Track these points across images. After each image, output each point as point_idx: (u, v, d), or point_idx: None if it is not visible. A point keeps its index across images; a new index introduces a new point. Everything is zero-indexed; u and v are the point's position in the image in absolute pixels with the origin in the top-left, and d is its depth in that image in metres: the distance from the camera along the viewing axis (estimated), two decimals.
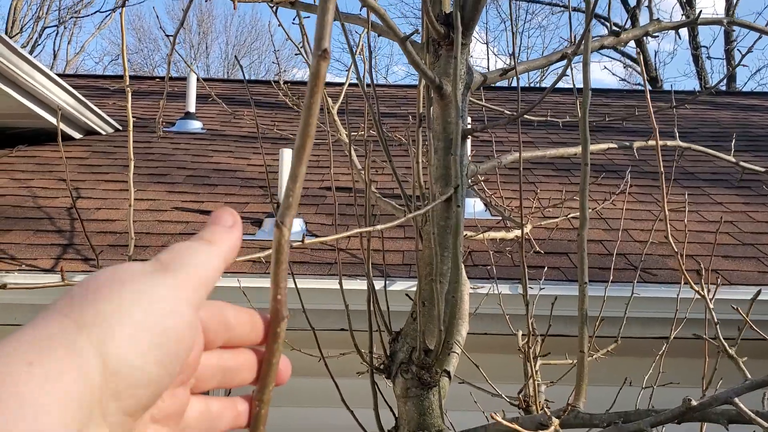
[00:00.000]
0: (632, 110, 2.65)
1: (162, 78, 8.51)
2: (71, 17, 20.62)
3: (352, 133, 2.01)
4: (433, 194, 1.55)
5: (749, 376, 1.20)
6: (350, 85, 2.94)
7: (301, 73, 26.49)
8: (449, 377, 1.66)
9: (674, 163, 2.71)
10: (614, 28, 1.80)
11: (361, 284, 2.96)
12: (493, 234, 2.94)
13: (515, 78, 1.61)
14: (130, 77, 6.59)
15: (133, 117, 1.87)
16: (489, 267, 3.17)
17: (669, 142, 1.95)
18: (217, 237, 0.46)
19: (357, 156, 2.36)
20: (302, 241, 1.42)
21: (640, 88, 15.78)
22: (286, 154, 3.89)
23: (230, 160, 5.00)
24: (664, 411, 1.15)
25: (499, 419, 1.13)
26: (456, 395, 1.91)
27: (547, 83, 19.17)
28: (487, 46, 21.74)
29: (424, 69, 1.43)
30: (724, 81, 15.83)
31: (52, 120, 4.71)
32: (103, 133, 5.48)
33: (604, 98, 7.59)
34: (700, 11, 1.85)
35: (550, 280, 3.08)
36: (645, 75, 1.64)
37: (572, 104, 7.03)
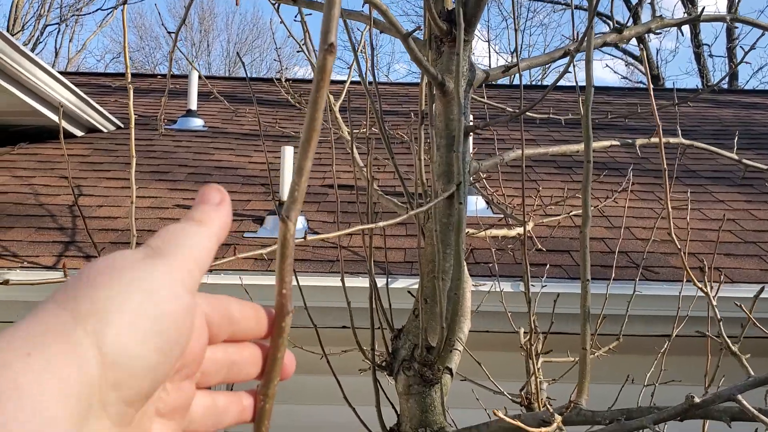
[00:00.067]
0: (634, 108, 2.65)
1: (163, 76, 8.51)
2: (73, 15, 20.63)
3: (354, 131, 2.01)
4: (436, 191, 1.55)
5: (752, 373, 1.20)
6: (352, 83, 2.94)
7: (303, 71, 26.50)
8: (451, 374, 1.66)
9: (676, 160, 2.70)
10: (617, 25, 1.79)
11: (363, 281, 2.96)
12: (495, 231, 2.94)
13: (518, 75, 1.61)
14: (132, 75, 6.60)
15: (134, 114, 1.87)
16: (491, 264, 3.17)
17: (672, 140, 1.95)
18: (207, 216, 0.45)
19: (359, 153, 2.36)
20: (304, 238, 1.42)
21: (641, 86, 15.78)
22: (288, 152, 3.89)
23: (232, 158, 5.00)
24: (666, 408, 1.15)
25: (502, 416, 1.13)
26: (458, 392, 1.91)
27: (548, 82, 19.14)
28: (489, 44, 21.73)
29: (427, 66, 1.43)
30: (726, 79, 15.82)
31: (54, 117, 4.71)
32: (105, 130, 5.48)
33: (606, 96, 7.58)
34: (703, 8, 1.85)
35: (552, 278, 3.08)
36: (648, 72, 1.64)
37: (574, 102, 7.02)
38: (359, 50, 1.99)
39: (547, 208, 3.62)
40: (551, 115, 2.56)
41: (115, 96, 6.83)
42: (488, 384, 1.96)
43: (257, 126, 5.78)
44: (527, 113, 2.11)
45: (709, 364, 1.82)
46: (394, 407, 1.70)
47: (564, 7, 19.17)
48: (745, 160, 2.05)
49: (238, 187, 4.35)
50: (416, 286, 1.69)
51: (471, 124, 1.61)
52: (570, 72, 1.63)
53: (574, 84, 1.88)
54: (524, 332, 1.85)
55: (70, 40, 26.07)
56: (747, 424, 1.19)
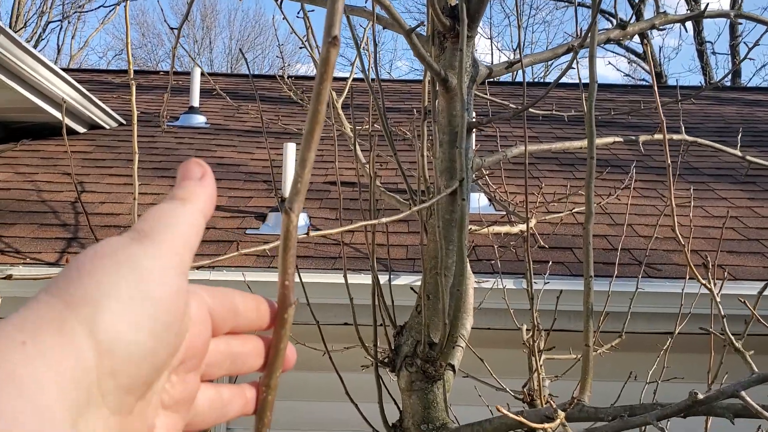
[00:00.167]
0: (636, 105, 2.64)
1: (166, 72, 8.51)
2: (75, 12, 20.63)
3: (357, 127, 2.01)
4: (438, 187, 1.55)
5: (756, 369, 1.20)
6: (354, 79, 2.94)
7: (305, 68, 26.49)
8: (454, 371, 1.66)
9: (679, 158, 2.70)
10: (620, 22, 1.79)
11: (365, 278, 2.95)
12: (497, 228, 2.94)
13: (521, 71, 1.61)
14: (134, 72, 6.60)
15: (137, 111, 1.87)
16: (493, 261, 3.17)
17: (675, 136, 1.95)
18: (190, 192, 0.44)
19: (361, 150, 2.36)
20: (307, 233, 1.42)
21: (644, 83, 15.76)
22: (290, 148, 3.88)
23: (234, 155, 5.00)
24: (669, 405, 1.15)
25: (505, 412, 1.13)
26: (460, 389, 1.91)
27: (550, 79, 19.12)
28: (491, 41, 21.70)
29: (430, 61, 1.42)
30: (729, 76, 15.79)
31: (57, 114, 4.71)
32: (107, 127, 5.48)
33: (609, 93, 7.58)
34: (707, 4, 1.84)
35: (555, 275, 3.07)
36: (652, 68, 1.63)
37: (576, 99, 7.02)
38: (362, 47, 1.99)
39: (550, 205, 3.62)
40: (554, 112, 2.56)
41: (117, 93, 6.84)
42: (491, 381, 1.96)
43: (259, 123, 5.78)
44: (530, 110, 2.11)
45: (712, 361, 1.82)
46: (396, 404, 1.70)
47: (566, 4, 19.15)
48: (749, 157, 2.04)
49: (241, 184, 4.35)
50: (419, 283, 1.69)
51: (474, 120, 1.60)
52: (573, 68, 1.63)
53: (577, 81, 1.88)
54: (527, 329, 1.84)
55: (72, 37, 26.05)
56: (750, 421, 1.18)
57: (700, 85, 12.66)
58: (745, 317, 1.68)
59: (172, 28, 2.16)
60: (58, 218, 3.68)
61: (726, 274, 2.34)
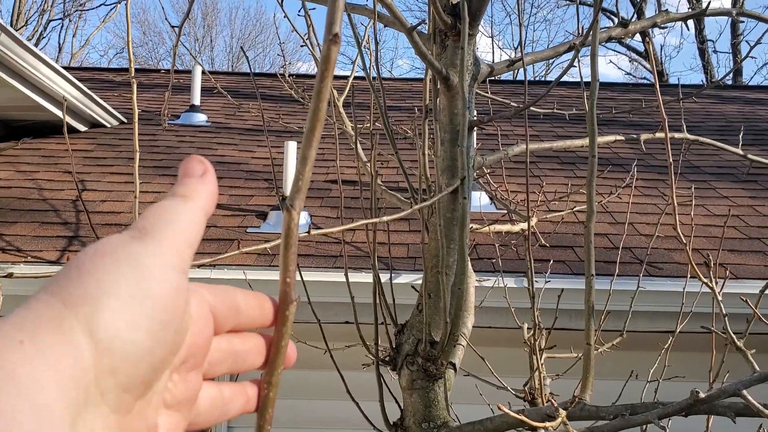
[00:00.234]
0: (638, 104, 2.64)
1: (167, 71, 8.51)
2: (76, 10, 20.62)
3: (358, 126, 2.01)
4: (440, 186, 1.55)
5: (757, 368, 1.20)
6: (355, 78, 2.94)
7: (306, 66, 26.50)
8: (455, 369, 1.66)
9: (681, 156, 2.70)
10: (622, 20, 1.79)
11: (366, 277, 2.95)
12: (498, 227, 2.94)
13: (522, 69, 1.60)
14: (135, 70, 6.60)
15: (138, 109, 1.87)
16: (494, 260, 3.17)
17: (676, 135, 1.94)
18: (192, 190, 0.43)
19: (362, 148, 2.35)
20: (308, 232, 1.42)
21: (645, 81, 15.75)
22: (291, 147, 3.88)
23: (235, 153, 4.99)
24: (671, 403, 1.14)
25: (506, 410, 1.13)
26: (461, 388, 1.91)
27: (552, 77, 19.12)
28: (492, 40, 21.69)
29: (431, 60, 1.42)
30: (731, 75, 15.77)
31: (58, 112, 4.71)
32: (108, 125, 5.48)
33: (610, 92, 7.57)
34: (709, 2, 1.84)
35: (556, 274, 3.07)
36: (654, 66, 1.63)
37: (577, 98, 7.01)
38: (363, 45, 1.99)
39: (551, 204, 3.62)
40: (555, 111, 2.56)
41: (118, 91, 6.84)
42: (492, 379, 1.96)
43: (260, 121, 5.78)
44: (531, 108, 2.10)
45: (713, 360, 1.82)
46: (397, 402, 1.70)
47: (568, 2, 19.13)
48: (750, 156, 2.04)
49: (241, 183, 4.35)
50: (420, 282, 1.69)
51: (475, 118, 1.60)
52: (574, 67, 1.62)
53: (578, 80, 1.88)
54: (528, 328, 1.84)
55: (73, 36, 26.12)
56: (751, 420, 1.18)
57: (701, 83, 12.65)
58: (746, 316, 1.68)
59: (173, 27, 2.16)
60: (59, 217, 3.68)
61: (727, 272, 2.34)
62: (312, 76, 7.08)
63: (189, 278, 0.41)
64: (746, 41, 15.78)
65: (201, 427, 0.44)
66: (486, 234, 3.15)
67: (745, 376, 1.07)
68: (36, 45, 17.99)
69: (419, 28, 1.47)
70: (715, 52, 17.30)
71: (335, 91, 2.47)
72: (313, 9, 2.20)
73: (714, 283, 1.63)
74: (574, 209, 3.40)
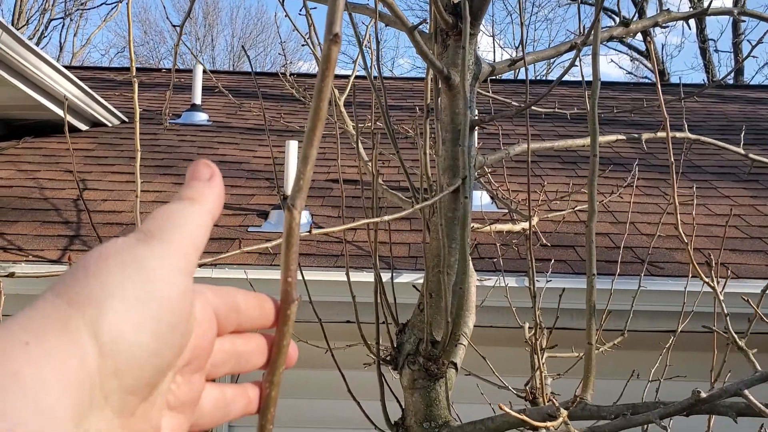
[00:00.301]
0: (639, 103, 2.64)
1: (168, 70, 8.51)
2: (77, 9, 20.62)
3: (359, 125, 2.01)
4: (441, 185, 1.55)
5: (759, 368, 1.20)
6: (356, 77, 2.94)
7: (307, 66, 26.47)
8: (456, 369, 1.66)
9: (682, 156, 2.70)
10: (623, 19, 1.78)
11: (367, 276, 2.95)
12: (499, 226, 2.94)
13: (523, 69, 1.60)
14: (137, 69, 6.60)
15: (139, 109, 1.87)
16: (495, 260, 3.17)
17: (678, 134, 1.94)
18: (199, 193, 0.44)
19: (363, 148, 2.35)
20: (310, 231, 1.42)
21: (646, 80, 15.74)
22: (293, 146, 3.88)
23: (236, 152, 5.00)
24: (672, 403, 1.14)
25: (507, 410, 1.13)
26: (462, 387, 1.90)
27: (553, 77, 19.11)
28: (494, 39, 21.67)
29: (433, 59, 1.42)
30: (732, 74, 15.76)
31: (59, 111, 4.71)
32: (109, 124, 5.48)
33: (611, 91, 7.57)
34: (711, 1, 1.83)
35: (557, 273, 3.07)
36: (655, 66, 1.63)
37: (579, 97, 7.01)
38: (364, 44, 1.99)
39: (552, 203, 3.61)
40: (556, 110, 2.55)
41: (119, 90, 6.84)
42: (493, 379, 1.96)
43: (262, 120, 5.78)
44: (532, 108, 2.10)
45: (715, 360, 1.82)
46: (398, 401, 1.70)
47: (569, 1, 19.12)
48: (752, 155, 2.04)
49: (243, 182, 4.35)
50: (421, 281, 1.69)
51: (476, 118, 1.60)
52: (576, 66, 1.63)
53: (579, 79, 1.87)
54: (529, 327, 1.84)
55: (74, 35, 26.02)
56: (753, 420, 1.18)
57: (702, 82, 12.64)
58: (748, 315, 1.68)
59: (174, 26, 2.16)
60: (60, 216, 3.68)
61: (729, 272, 2.34)
62: (313, 75, 7.08)
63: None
64: (748, 40, 15.76)
65: (203, 428, 0.44)
66: (487, 233, 3.15)
67: (746, 376, 1.07)
68: (37, 44, 18.02)
69: (420, 27, 1.47)
70: (716, 51, 17.31)
71: (336, 90, 2.47)
72: (314, 8, 2.20)
73: (715, 283, 1.63)
74: (576, 209, 3.40)
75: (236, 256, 3.00)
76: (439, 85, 1.53)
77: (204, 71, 5.95)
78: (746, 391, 1.04)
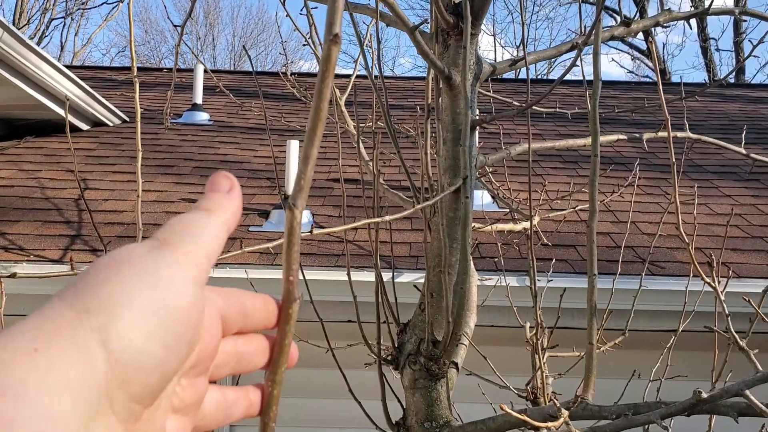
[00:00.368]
0: (640, 103, 2.64)
1: (169, 69, 8.52)
2: (78, 9, 20.62)
3: (360, 125, 2.01)
4: (442, 185, 1.55)
5: (760, 368, 1.20)
6: (357, 77, 2.94)
7: (308, 65, 26.48)
8: (457, 368, 1.66)
9: (683, 155, 2.69)
10: (624, 19, 1.78)
11: (368, 276, 2.96)
12: (500, 226, 2.93)
13: (524, 69, 1.60)
14: (138, 69, 6.60)
15: (140, 108, 1.87)
16: (496, 259, 3.17)
17: (679, 134, 1.94)
18: (216, 204, 0.44)
19: (364, 147, 2.35)
20: (311, 231, 1.42)
21: (647, 80, 15.72)
22: (294, 146, 3.88)
23: (237, 152, 5.00)
24: (673, 403, 1.14)
25: (508, 410, 1.13)
26: (463, 387, 1.90)
27: (554, 76, 19.10)
28: (495, 38, 21.67)
29: (434, 59, 1.42)
30: (733, 73, 15.74)
31: (60, 111, 4.71)
32: (111, 124, 5.48)
33: (612, 90, 7.56)
34: (712, 1, 1.83)
35: (558, 273, 3.06)
36: (657, 65, 1.63)
37: (580, 97, 7.00)
38: (365, 44, 1.99)
39: (553, 203, 3.61)
40: (557, 110, 2.55)
41: (120, 90, 6.84)
42: (494, 378, 1.95)
43: (263, 120, 5.78)
44: (533, 107, 2.10)
45: (716, 360, 1.82)
46: (399, 401, 1.70)
47: (570, 1, 19.10)
48: (753, 155, 2.04)
49: (244, 181, 4.35)
50: (422, 281, 1.69)
51: (477, 117, 1.60)
52: (577, 66, 1.62)
53: (581, 78, 1.87)
54: (530, 327, 1.84)
55: (75, 34, 26.14)
56: (754, 420, 1.18)
57: (703, 82, 12.63)
58: (749, 315, 1.68)
59: (175, 26, 2.16)
60: (61, 215, 3.68)
61: (730, 271, 2.34)
62: (314, 75, 7.08)
63: None
64: (749, 40, 15.72)
65: (205, 430, 0.44)
66: (488, 233, 3.15)
67: (747, 376, 1.07)
68: (38, 44, 18.02)
69: (421, 27, 1.47)
70: (717, 50, 17.29)
71: (337, 90, 2.47)
72: (315, 8, 2.20)
73: (716, 282, 1.63)
74: (577, 208, 3.40)
75: (237, 256, 3.00)
76: (440, 85, 1.53)
77: (205, 71, 5.95)
78: (747, 392, 1.04)
